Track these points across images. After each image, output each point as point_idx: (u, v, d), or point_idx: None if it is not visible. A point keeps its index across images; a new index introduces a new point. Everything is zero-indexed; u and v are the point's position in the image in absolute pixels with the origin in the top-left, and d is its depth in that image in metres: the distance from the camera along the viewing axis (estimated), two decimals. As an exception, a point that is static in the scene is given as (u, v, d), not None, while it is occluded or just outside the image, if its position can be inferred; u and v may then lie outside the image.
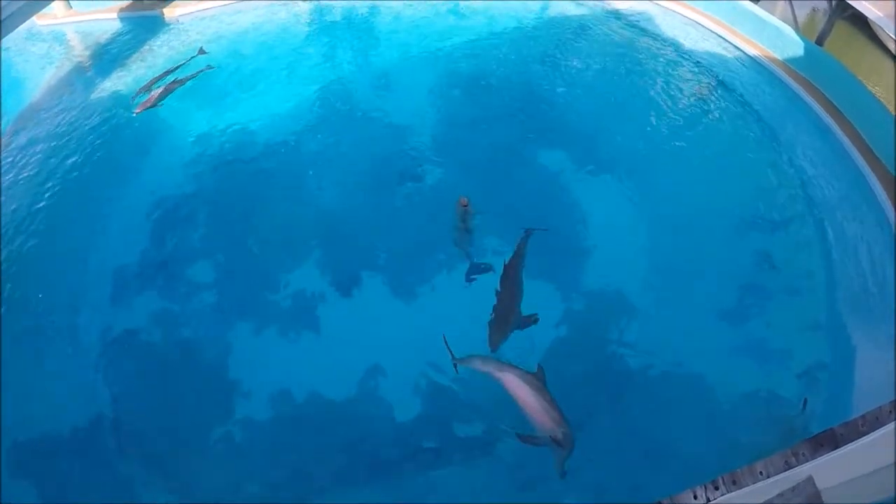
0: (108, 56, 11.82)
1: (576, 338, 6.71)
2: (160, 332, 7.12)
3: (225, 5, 12.80)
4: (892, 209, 7.26)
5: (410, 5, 12.43)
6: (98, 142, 9.55)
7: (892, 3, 8.36)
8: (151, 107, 9.37)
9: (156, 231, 8.21)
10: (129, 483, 5.93)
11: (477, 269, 7.34)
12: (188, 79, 10.04)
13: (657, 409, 6.09)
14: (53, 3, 12.17)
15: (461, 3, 12.42)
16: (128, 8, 12.90)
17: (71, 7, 13.15)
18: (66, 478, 6.02)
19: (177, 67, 10.33)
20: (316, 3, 12.86)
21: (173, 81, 9.89)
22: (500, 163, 8.82)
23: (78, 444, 6.22)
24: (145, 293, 7.50)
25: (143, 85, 9.92)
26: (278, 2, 12.92)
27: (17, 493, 5.74)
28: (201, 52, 10.68)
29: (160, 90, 9.65)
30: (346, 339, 6.86)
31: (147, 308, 7.32)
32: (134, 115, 9.29)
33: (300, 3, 12.86)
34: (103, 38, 12.34)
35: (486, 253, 7.50)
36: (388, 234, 7.94)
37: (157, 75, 10.12)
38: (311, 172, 8.92)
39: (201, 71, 10.25)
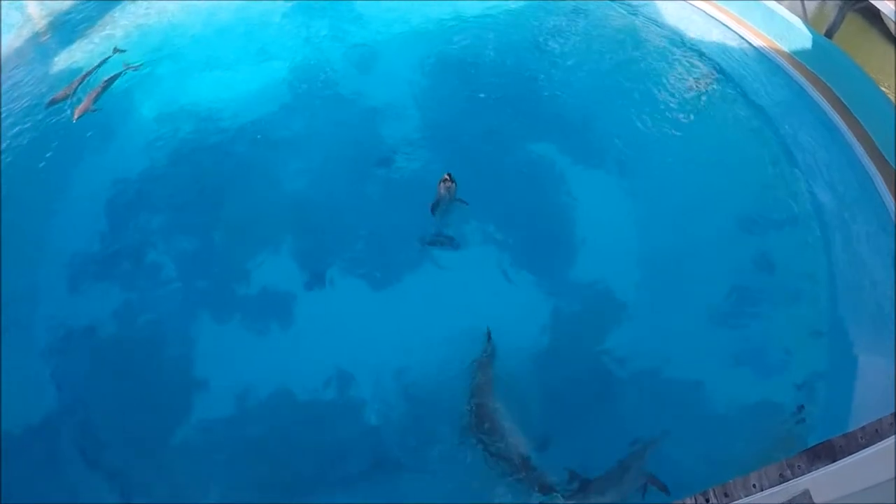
0: (68, 26, 11.54)
1: (561, 341, 6.68)
2: (118, 326, 6.96)
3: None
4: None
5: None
6: (54, 119, 9.32)
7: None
8: (89, 111, 9.23)
9: (115, 218, 8.02)
10: (84, 485, 5.82)
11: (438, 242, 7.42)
12: (114, 78, 9.90)
13: (645, 416, 6.09)
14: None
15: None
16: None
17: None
18: (16, 479, 5.83)
19: (94, 69, 10.15)
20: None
21: (105, 81, 9.73)
22: (487, 152, 8.73)
23: (29, 443, 6.10)
24: (103, 284, 7.34)
25: (59, 92, 9.64)
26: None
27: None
28: (116, 51, 10.56)
29: (93, 93, 9.46)
30: (318, 336, 6.79)
31: (105, 300, 7.15)
32: (73, 121, 9.11)
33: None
34: (65, 6, 12.08)
35: (471, 245, 7.52)
36: (365, 223, 7.84)
37: (76, 79, 9.90)
38: (282, 157, 8.75)
39: (127, 69, 10.12)
